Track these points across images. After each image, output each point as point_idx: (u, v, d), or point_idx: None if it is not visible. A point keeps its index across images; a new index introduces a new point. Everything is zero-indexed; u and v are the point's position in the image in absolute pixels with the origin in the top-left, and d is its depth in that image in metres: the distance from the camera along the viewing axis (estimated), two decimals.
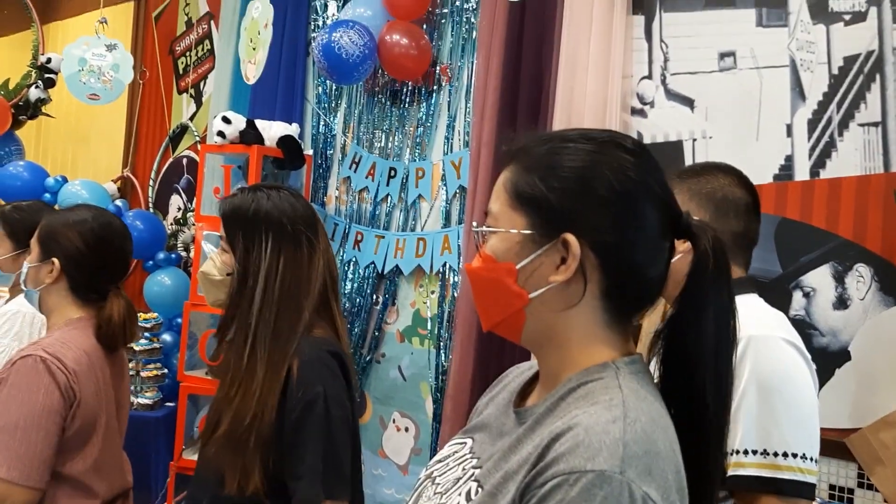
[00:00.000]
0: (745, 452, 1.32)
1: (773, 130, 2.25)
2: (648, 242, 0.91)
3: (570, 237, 0.90)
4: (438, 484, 1.00)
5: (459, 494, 0.93)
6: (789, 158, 2.22)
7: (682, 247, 1.40)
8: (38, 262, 1.89)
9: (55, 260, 1.87)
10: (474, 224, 1.02)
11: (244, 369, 1.60)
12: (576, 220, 0.90)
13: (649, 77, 2.51)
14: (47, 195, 3.87)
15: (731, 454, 1.34)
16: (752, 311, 1.45)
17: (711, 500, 0.92)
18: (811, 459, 1.33)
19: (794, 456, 1.31)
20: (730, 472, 1.34)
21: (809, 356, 1.39)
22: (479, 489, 0.91)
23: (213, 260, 1.73)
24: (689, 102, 2.42)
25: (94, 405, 1.79)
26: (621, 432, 0.81)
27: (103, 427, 1.82)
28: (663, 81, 2.48)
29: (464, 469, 0.98)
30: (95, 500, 1.81)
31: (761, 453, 1.31)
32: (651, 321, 1.02)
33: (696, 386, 0.91)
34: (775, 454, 1.31)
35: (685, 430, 0.89)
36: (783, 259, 2.19)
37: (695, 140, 2.39)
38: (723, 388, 0.92)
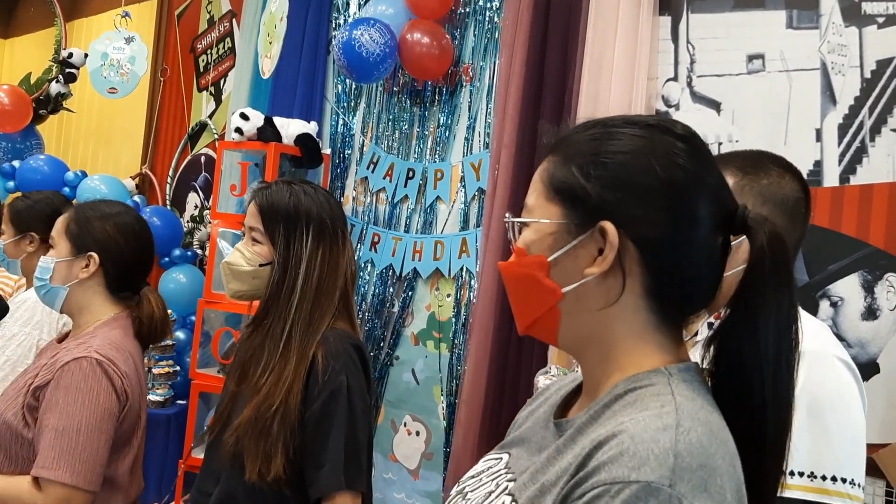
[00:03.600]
0: (792, 474, 1.24)
1: (803, 135, 2.19)
2: (698, 238, 0.83)
3: (608, 225, 0.83)
4: (469, 499, 0.94)
5: None
6: (818, 164, 2.15)
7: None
8: (70, 256, 1.81)
9: (93, 254, 1.81)
10: (507, 215, 0.94)
11: (278, 357, 1.64)
12: (615, 209, 0.83)
13: (675, 79, 2.46)
14: (66, 189, 3.87)
15: None
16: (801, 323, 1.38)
17: None
18: (858, 486, 1.25)
19: (844, 481, 1.23)
20: None
21: (860, 376, 1.33)
22: (514, 503, 0.85)
23: (242, 251, 1.75)
24: (715, 105, 2.36)
25: (138, 407, 1.78)
26: (672, 441, 0.73)
27: (141, 428, 1.82)
28: (689, 83, 2.42)
29: (497, 484, 0.92)
30: (129, 500, 1.80)
31: (808, 476, 1.23)
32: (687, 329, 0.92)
33: (753, 401, 0.82)
34: (824, 478, 1.23)
35: (739, 449, 0.80)
36: (810, 267, 2.12)
37: (720, 144, 2.33)
38: (783, 404, 0.83)
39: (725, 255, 0.86)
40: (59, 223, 1.87)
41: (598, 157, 0.85)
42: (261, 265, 1.72)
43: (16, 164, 4.03)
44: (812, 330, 1.38)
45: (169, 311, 3.65)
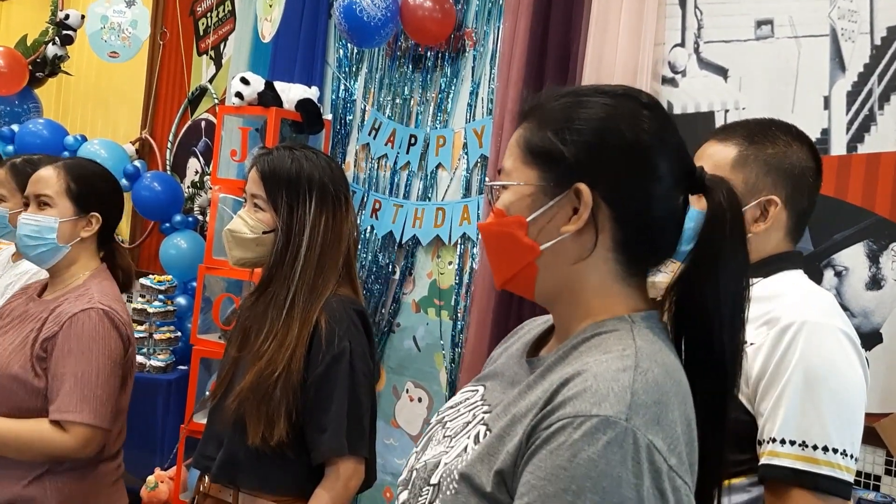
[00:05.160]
0: (783, 442, 1.25)
1: (810, 102, 2.16)
2: (662, 193, 0.92)
3: (583, 187, 0.91)
4: (448, 428, 1.02)
5: (468, 437, 0.95)
6: (826, 132, 2.13)
7: (757, 228, 1.34)
8: (73, 216, 1.88)
9: (97, 215, 1.91)
10: (487, 179, 1.01)
11: (281, 323, 1.64)
12: (589, 171, 0.92)
13: (682, 45, 2.42)
14: (66, 154, 3.84)
15: (767, 442, 1.27)
16: (804, 292, 1.37)
17: (720, 455, 0.94)
18: (851, 457, 1.26)
19: (835, 451, 1.24)
20: (763, 461, 1.27)
21: (863, 350, 1.32)
22: (488, 432, 0.92)
23: (244, 218, 1.74)
24: (722, 72, 2.33)
25: (133, 350, 1.92)
26: (630, 381, 0.82)
27: (134, 367, 1.95)
28: (696, 49, 2.39)
29: (474, 415, 1.00)
30: (122, 439, 1.94)
31: (799, 445, 1.24)
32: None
33: (713, 341, 0.92)
34: (814, 447, 1.24)
35: (696, 387, 0.90)
36: (815, 236, 2.11)
37: (727, 111, 2.31)
38: (738, 347, 0.93)
39: (685, 211, 0.95)
40: (54, 182, 1.89)
41: (572, 123, 0.93)
42: (264, 232, 1.71)
43: (15, 127, 4.00)
44: (816, 300, 1.37)
45: (170, 277, 3.66)
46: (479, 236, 2.87)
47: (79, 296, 1.84)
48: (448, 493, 0.90)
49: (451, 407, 1.07)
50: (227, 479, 1.67)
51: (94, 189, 1.92)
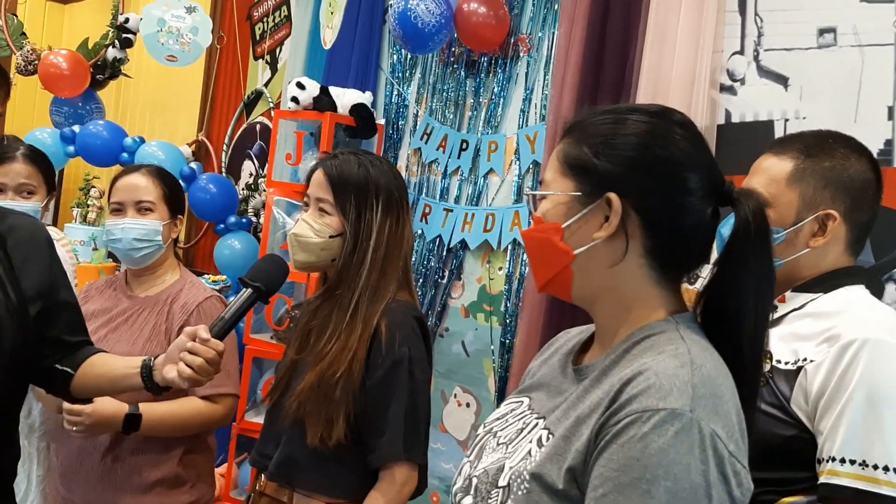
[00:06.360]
0: (843, 461, 1.24)
1: (874, 113, 2.12)
2: (690, 205, 0.99)
3: (613, 196, 0.99)
4: (500, 437, 1.07)
5: (530, 442, 1.00)
6: (889, 143, 2.09)
7: (816, 242, 1.38)
8: (168, 219, 2.13)
9: (181, 216, 2.18)
10: (527, 188, 1.08)
11: (345, 326, 1.68)
12: (620, 183, 0.99)
13: (741, 52, 2.39)
14: (125, 155, 3.94)
15: (826, 461, 1.26)
16: (867, 309, 1.35)
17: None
18: None
19: None
20: (822, 480, 1.26)
21: None
22: (551, 435, 0.98)
23: (309, 223, 1.74)
24: (782, 80, 2.30)
25: None
26: (689, 376, 0.89)
27: None
28: (756, 57, 2.36)
29: (525, 422, 1.06)
30: None
31: (860, 464, 1.23)
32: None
33: (733, 343, 0.98)
34: (875, 467, 1.22)
35: None
36: (877, 249, 2.07)
37: (787, 120, 2.27)
38: (758, 346, 1.00)
39: (715, 222, 1.02)
40: (152, 189, 2.10)
41: (607, 138, 1.01)
42: (330, 236, 1.73)
43: (76, 128, 4.11)
44: (879, 316, 1.35)
45: (224, 277, 3.73)
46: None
47: (191, 287, 2.12)
48: (520, 492, 0.96)
49: (499, 418, 1.13)
50: (283, 478, 1.70)
51: (179, 194, 2.18)
